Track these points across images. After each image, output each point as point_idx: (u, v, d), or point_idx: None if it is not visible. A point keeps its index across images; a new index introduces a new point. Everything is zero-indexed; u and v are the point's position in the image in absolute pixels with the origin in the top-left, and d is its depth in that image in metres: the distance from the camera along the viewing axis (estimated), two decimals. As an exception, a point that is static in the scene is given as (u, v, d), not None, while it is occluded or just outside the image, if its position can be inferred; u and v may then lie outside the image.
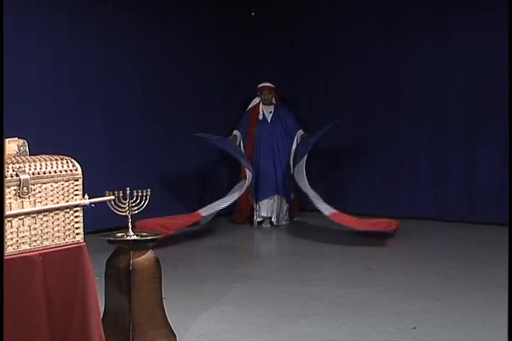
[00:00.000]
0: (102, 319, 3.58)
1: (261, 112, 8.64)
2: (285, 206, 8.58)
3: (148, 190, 4.02)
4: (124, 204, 3.93)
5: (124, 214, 3.97)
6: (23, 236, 3.13)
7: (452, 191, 8.37)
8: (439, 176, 8.45)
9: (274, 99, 8.65)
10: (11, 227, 3.08)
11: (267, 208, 8.50)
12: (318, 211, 7.73)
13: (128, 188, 3.95)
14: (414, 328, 4.52)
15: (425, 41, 8.45)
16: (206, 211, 7.71)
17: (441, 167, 8.44)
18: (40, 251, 3.17)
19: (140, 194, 3.99)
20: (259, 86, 8.63)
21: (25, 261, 3.11)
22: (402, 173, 8.71)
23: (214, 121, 8.84)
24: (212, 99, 8.99)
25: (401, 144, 8.65)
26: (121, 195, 3.89)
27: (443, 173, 8.43)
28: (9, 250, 3.05)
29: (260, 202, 8.50)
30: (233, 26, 9.17)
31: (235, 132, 8.61)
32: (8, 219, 3.05)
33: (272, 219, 8.52)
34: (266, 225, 8.51)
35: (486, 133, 8.12)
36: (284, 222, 8.56)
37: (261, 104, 8.64)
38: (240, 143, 8.61)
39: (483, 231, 7.80)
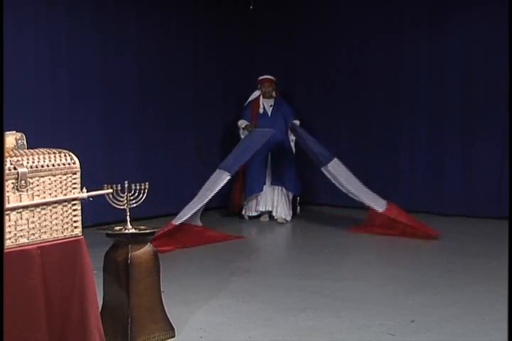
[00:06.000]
0: (101, 312, 3.58)
1: (261, 106, 8.49)
2: (287, 200, 8.40)
3: (147, 183, 4.02)
4: (122, 197, 3.93)
5: (122, 207, 3.97)
6: (21, 230, 3.12)
7: (451, 185, 8.37)
8: (437, 170, 8.44)
9: (274, 92, 8.55)
10: (9, 221, 3.07)
11: (265, 202, 8.39)
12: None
13: (126, 182, 3.94)
14: (413, 321, 4.52)
15: (424, 35, 8.44)
16: (178, 219, 6.96)
17: (440, 161, 8.44)
18: (38, 245, 3.17)
19: (138, 187, 3.98)
20: (259, 78, 8.48)
21: (23, 254, 3.10)
22: (401, 168, 8.70)
23: (213, 115, 8.84)
24: (211, 93, 8.96)
25: (400, 139, 8.65)
26: (119, 188, 3.89)
27: (442, 167, 8.42)
28: (7, 243, 3.05)
29: (258, 196, 8.39)
30: (232, 20, 9.14)
31: (242, 121, 8.41)
32: (6, 212, 3.04)
33: (273, 213, 8.36)
34: (264, 219, 8.44)
35: (484, 126, 8.11)
36: (284, 217, 8.30)
37: (261, 97, 8.51)
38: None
39: (482, 224, 7.81)
